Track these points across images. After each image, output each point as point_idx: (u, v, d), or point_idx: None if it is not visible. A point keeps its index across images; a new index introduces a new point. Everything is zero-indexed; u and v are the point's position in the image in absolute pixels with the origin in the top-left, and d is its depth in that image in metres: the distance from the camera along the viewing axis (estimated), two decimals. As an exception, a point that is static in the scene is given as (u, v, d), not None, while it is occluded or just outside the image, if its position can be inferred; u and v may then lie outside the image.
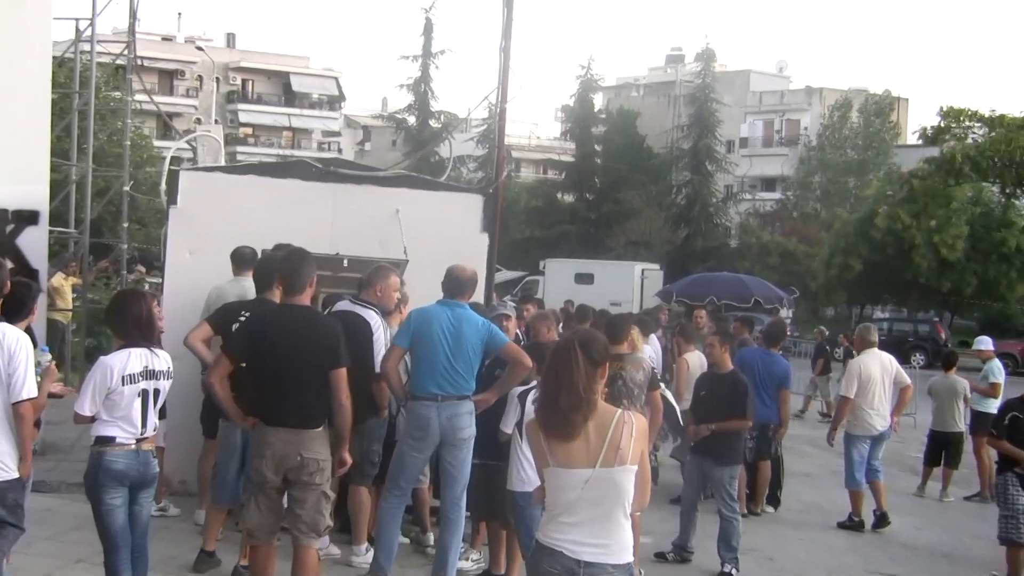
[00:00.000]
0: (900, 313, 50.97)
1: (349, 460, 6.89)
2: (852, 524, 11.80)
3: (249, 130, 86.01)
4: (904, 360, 29.17)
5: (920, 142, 46.20)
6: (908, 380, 12.05)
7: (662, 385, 9.82)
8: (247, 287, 8.36)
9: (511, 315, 9.08)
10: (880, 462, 12.01)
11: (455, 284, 7.82)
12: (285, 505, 6.73)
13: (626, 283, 39.29)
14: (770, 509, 12.19)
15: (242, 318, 7.44)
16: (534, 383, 7.45)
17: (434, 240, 10.27)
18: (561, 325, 12.00)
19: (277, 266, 7.00)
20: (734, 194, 65.17)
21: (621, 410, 4.58)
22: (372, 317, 8.17)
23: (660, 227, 60.09)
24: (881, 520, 11.80)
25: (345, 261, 9.66)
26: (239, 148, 78.25)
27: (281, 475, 6.56)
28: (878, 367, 11.74)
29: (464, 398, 7.66)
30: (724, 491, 9.60)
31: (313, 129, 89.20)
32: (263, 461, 6.54)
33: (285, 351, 6.53)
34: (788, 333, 18.64)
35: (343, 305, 8.30)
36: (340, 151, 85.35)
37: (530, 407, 7.07)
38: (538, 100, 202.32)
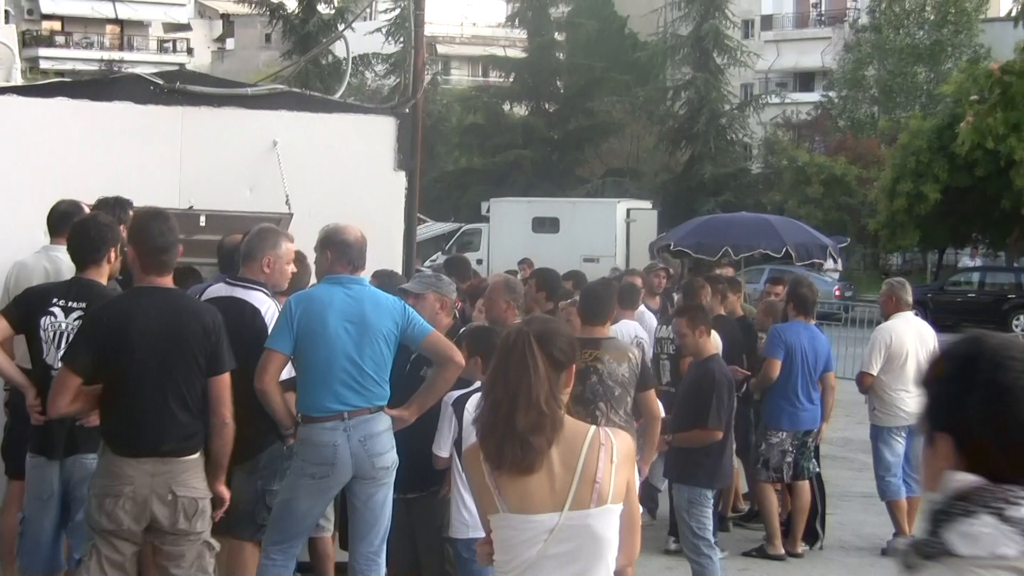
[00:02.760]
0: (996, 260, 51.38)
1: (226, 495, 6.95)
2: None
3: (56, 24, 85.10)
4: (1004, 324, 29.18)
5: (1017, 17, 46.40)
6: None
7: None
8: (61, 262, 8.31)
9: (420, 292, 8.59)
10: None
11: (344, 251, 7.75)
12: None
13: (605, 230, 39.39)
14: (804, 548, 12.10)
15: (55, 308, 7.42)
16: (476, 385, 7.45)
17: (328, 183, 10.34)
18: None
19: (133, 234, 6.90)
20: (755, 97, 65.12)
21: (594, 427, 4.60)
22: (262, 301, 8.05)
23: (652, 148, 60.23)
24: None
25: (202, 218, 9.64)
26: (43, 52, 77.49)
27: (144, 523, 6.59)
28: (913, 336, 11.94)
29: (379, 410, 7.66)
30: (683, 523, 9.74)
31: (150, 21, 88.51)
32: (119, 502, 6.54)
33: (152, 353, 6.58)
34: (839, 295, 18.80)
35: (217, 290, 8.19)
36: (191, 53, 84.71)
37: (469, 423, 7.07)
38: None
